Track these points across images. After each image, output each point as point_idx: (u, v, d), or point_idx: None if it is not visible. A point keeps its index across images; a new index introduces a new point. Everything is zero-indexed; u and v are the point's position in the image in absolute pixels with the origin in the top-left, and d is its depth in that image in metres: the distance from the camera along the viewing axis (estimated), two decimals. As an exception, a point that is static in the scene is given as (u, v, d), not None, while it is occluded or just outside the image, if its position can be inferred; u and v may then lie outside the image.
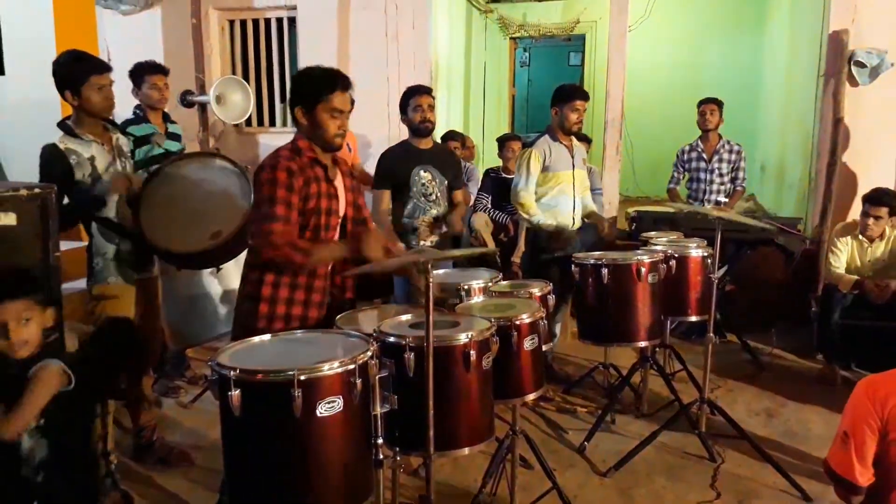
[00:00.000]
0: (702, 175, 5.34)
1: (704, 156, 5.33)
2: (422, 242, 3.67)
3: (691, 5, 8.59)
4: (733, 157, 5.31)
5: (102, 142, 3.03)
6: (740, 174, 5.34)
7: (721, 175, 5.30)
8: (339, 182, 2.56)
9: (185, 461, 3.31)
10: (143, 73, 4.04)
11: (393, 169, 3.69)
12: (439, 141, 5.80)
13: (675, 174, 5.52)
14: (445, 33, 6.70)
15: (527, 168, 4.06)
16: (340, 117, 2.45)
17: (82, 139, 2.94)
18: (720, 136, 5.34)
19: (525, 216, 4.13)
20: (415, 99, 3.67)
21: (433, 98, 3.74)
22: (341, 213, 2.57)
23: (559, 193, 4.12)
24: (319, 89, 2.41)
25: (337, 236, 2.55)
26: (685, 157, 5.43)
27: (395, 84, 6.03)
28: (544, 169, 4.07)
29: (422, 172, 3.67)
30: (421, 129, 3.68)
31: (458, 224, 3.83)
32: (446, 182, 3.76)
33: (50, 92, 2.99)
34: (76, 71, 2.89)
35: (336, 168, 2.57)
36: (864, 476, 1.89)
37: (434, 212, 3.71)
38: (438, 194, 3.72)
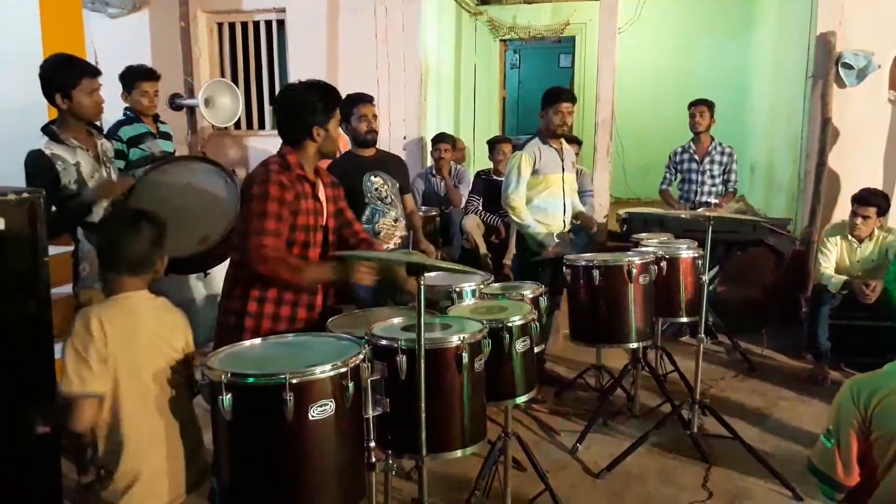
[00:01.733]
0: (693, 176, 5.36)
1: (696, 157, 5.34)
2: (385, 245, 3.60)
3: (680, 7, 8.63)
4: (725, 158, 5.32)
5: (87, 147, 3.01)
6: (732, 176, 5.35)
7: (713, 177, 5.31)
8: (322, 196, 2.59)
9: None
10: (134, 78, 4.00)
11: (343, 179, 3.56)
12: (431, 143, 5.83)
13: (668, 175, 5.53)
14: (435, 35, 6.70)
15: (517, 171, 4.05)
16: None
17: (67, 145, 2.92)
18: (712, 138, 5.35)
19: (516, 220, 4.13)
20: (359, 108, 3.58)
21: (374, 107, 3.69)
22: (325, 227, 2.58)
23: (549, 196, 4.12)
24: (333, 103, 2.52)
25: (320, 249, 2.56)
26: (677, 158, 5.45)
27: (384, 87, 6.04)
28: (534, 172, 4.07)
29: (372, 178, 3.62)
30: (367, 140, 3.63)
31: (417, 224, 3.85)
32: (397, 185, 3.72)
33: (36, 96, 2.96)
34: (68, 75, 2.86)
35: (319, 182, 2.59)
36: (847, 475, 1.90)
37: (393, 213, 3.66)
38: (393, 197, 3.68)
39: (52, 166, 2.85)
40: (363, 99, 3.63)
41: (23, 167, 2.90)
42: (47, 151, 2.86)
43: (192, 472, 2.07)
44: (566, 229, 4.22)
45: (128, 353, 1.94)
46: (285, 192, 2.38)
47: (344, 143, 5.04)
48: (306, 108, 2.47)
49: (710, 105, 5.29)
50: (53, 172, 2.85)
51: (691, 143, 5.40)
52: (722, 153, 5.32)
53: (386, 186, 3.64)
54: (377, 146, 3.76)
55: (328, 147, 2.55)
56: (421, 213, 5.29)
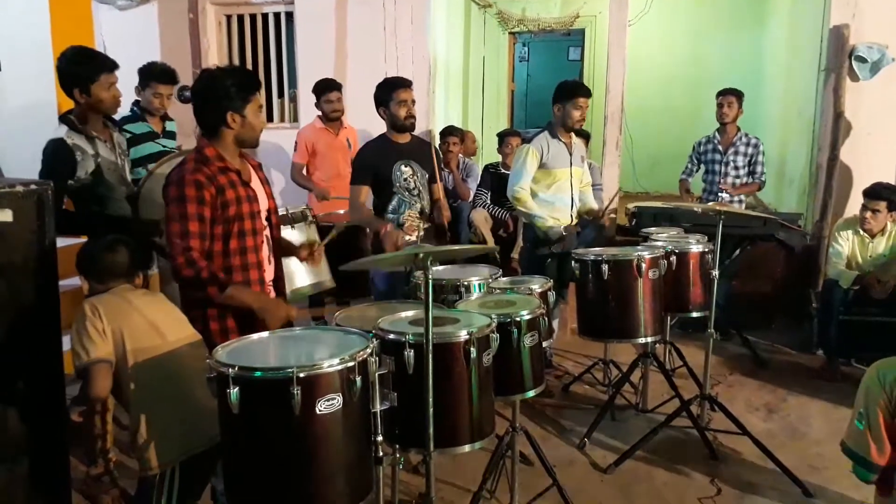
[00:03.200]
0: (717, 167, 5.20)
1: (720, 148, 5.20)
2: (408, 237, 3.60)
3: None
4: (750, 150, 5.14)
5: (105, 138, 3.01)
6: (758, 168, 5.14)
7: (737, 168, 5.14)
8: (254, 181, 2.54)
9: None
10: (151, 77, 3.93)
11: (373, 164, 3.58)
12: (439, 137, 5.81)
13: (689, 165, 5.41)
14: (444, 28, 6.67)
15: (524, 164, 4.03)
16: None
17: (87, 135, 2.91)
18: (738, 129, 5.18)
19: (522, 210, 4.10)
20: (398, 92, 3.53)
21: (412, 89, 3.62)
22: (264, 212, 2.55)
23: (557, 191, 4.11)
24: (249, 88, 2.43)
25: (265, 235, 2.55)
26: (701, 148, 5.31)
27: (393, 79, 6.01)
28: (542, 166, 4.05)
29: (403, 167, 3.59)
30: (406, 125, 3.58)
31: (447, 215, 3.78)
32: (427, 175, 3.69)
33: (47, 88, 2.97)
34: (86, 69, 2.85)
35: (247, 167, 2.54)
36: (880, 455, 1.99)
37: (419, 206, 3.66)
38: (421, 188, 3.66)
39: (71, 156, 2.84)
40: (402, 84, 3.57)
41: (30, 158, 2.89)
42: (69, 141, 2.85)
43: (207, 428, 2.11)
44: (573, 223, 4.20)
45: (125, 326, 2.20)
46: (203, 191, 2.31)
47: (354, 137, 5.08)
48: (220, 93, 2.37)
49: (738, 95, 5.11)
50: (72, 162, 2.85)
51: (716, 133, 5.24)
52: (747, 144, 5.14)
53: (415, 177, 3.62)
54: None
55: (246, 134, 2.44)
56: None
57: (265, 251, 2.55)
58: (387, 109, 3.57)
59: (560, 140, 4.08)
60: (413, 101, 3.58)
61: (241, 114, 2.40)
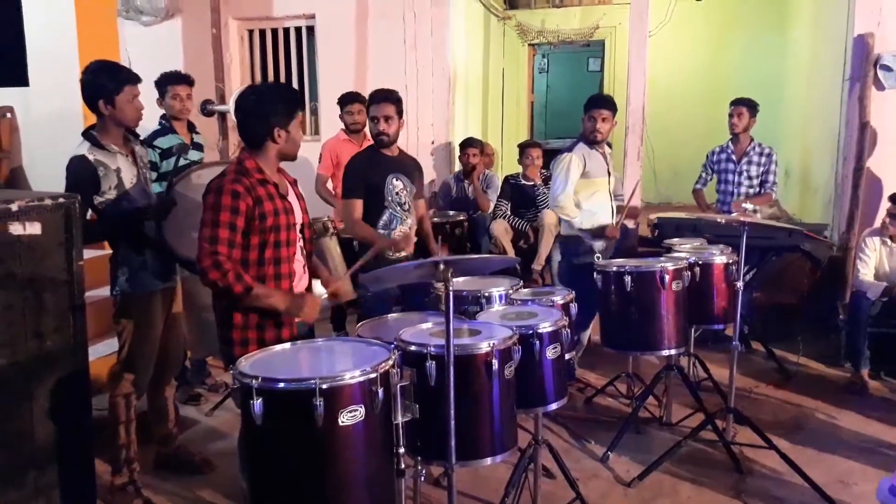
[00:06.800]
0: (730, 177, 5.16)
1: (733, 157, 5.15)
2: (398, 254, 3.48)
3: (712, 9, 8.51)
4: (763, 159, 5.09)
5: (126, 153, 3.05)
6: (770, 178, 5.10)
7: (750, 178, 5.10)
8: (290, 195, 2.59)
9: (207, 468, 3.31)
10: (166, 82, 4.07)
11: (365, 177, 3.49)
12: (459, 148, 5.83)
13: (703, 175, 5.37)
14: (463, 40, 6.70)
15: (566, 173, 4.03)
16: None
17: (108, 150, 2.95)
18: (751, 139, 5.14)
19: (565, 218, 4.12)
20: (372, 108, 3.50)
21: (394, 104, 3.48)
22: (299, 224, 2.59)
23: (598, 200, 4.14)
24: (294, 104, 2.54)
25: (298, 246, 2.59)
26: (714, 158, 5.27)
27: (413, 92, 6.06)
28: (584, 175, 4.06)
29: (395, 181, 3.51)
30: (377, 141, 3.53)
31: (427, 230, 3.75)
32: (415, 190, 3.64)
33: (73, 103, 3.00)
34: (112, 81, 2.90)
35: (284, 181, 2.60)
36: None
37: (409, 221, 3.58)
38: (410, 203, 3.60)
39: (94, 172, 2.89)
40: (375, 99, 3.52)
41: (57, 171, 2.94)
42: (91, 157, 2.89)
43: None
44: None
45: None
46: (240, 202, 2.35)
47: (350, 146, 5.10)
48: (268, 109, 2.45)
49: (750, 105, 5.07)
50: (95, 178, 2.89)
51: (730, 143, 5.20)
52: (760, 154, 5.10)
53: (405, 192, 3.57)
54: (402, 147, 3.69)
55: (289, 149, 2.52)
56: (449, 218, 5.29)
57: (298, 263, 2.59)
58: (367, 122, 3.57)
59: (596, 150, 4.10)
60: (387, 118, 3.45)
61: (286, 129, 2.47)
